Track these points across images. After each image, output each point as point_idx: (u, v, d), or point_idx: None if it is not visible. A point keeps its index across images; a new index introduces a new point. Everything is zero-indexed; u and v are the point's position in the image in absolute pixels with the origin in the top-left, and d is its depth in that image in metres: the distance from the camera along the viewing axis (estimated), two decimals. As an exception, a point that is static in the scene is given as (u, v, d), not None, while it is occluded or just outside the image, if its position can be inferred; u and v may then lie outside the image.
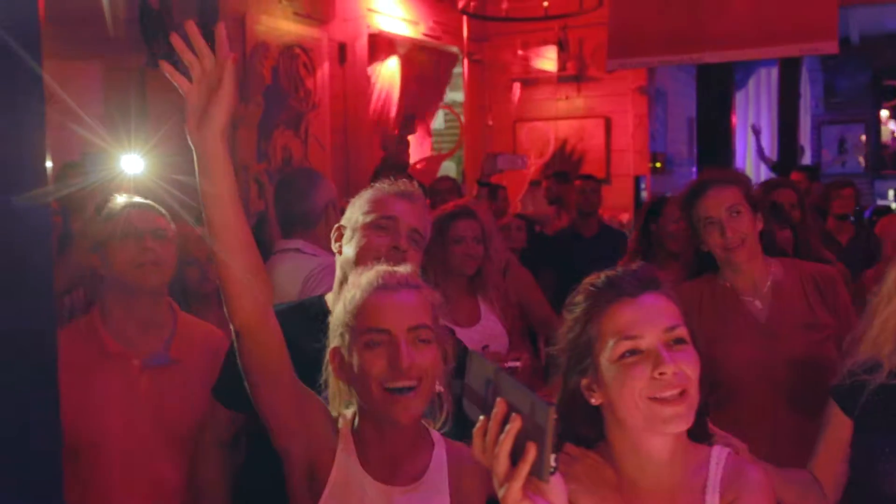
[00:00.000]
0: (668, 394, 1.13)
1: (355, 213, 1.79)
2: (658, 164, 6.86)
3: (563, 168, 6.36)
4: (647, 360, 1.14)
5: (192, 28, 1.21)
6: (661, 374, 1.13)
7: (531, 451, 0.93)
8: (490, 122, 6.95)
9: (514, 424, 0.94)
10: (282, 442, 1.40)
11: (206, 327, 2.14)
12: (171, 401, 1.94)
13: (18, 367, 0.95)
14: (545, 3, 6.18)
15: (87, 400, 1.86)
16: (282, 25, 5.41)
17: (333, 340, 1.42)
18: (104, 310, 1.98)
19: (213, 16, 4.90)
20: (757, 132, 8.02)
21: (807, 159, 9.07)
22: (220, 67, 1.22)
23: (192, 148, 1.26)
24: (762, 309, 2.20)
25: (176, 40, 1.21)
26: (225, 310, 1.32)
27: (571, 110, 6.83)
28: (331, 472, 1.37)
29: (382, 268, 1.42)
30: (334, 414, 1.45)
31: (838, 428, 1.60)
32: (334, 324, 1.42)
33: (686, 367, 1.14)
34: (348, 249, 1.76)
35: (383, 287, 1.38)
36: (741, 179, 2.30)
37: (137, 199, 2.05)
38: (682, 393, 1.13)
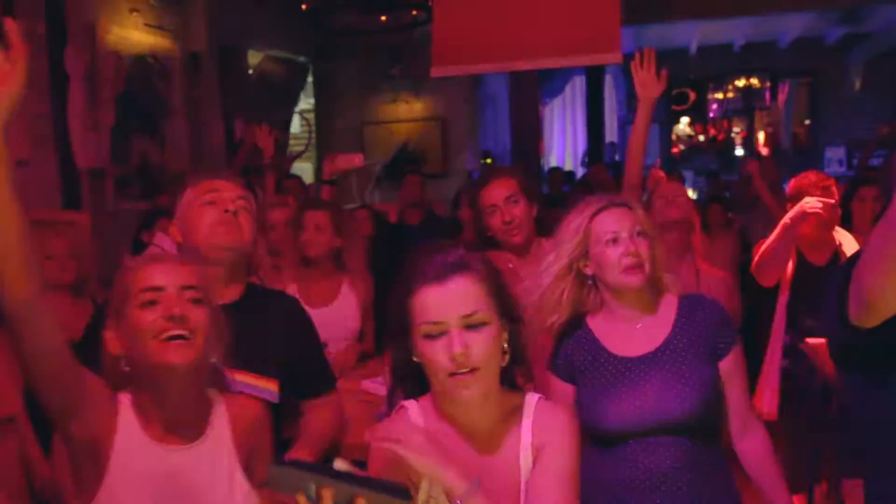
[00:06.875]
0: (461, 371, 1.26)
1: (182, 209, 1.87)
2: (488, 160, 7.67)
3: (407, 166, 6.87)
4: (445, 341, 1.26)
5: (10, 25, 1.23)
6: (455, 355, 1.25)
7: None
8: (339, 126, 7.50)
9: None
10: (63, 422, 1.39)
11: None
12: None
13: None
14: (382, 18, 6.77)
15: None
16: (133, 36, 5.60)
17: (108, 322, 1.45)
18: None
19: (61, 21, 4.92)
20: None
21: (619, 155, 10.27)
22: (14, 62, 1.22)
23: None
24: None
25: None
26: None
27: (412, 114, 7.49)
28: (113, 445, 1.40)
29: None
30: None
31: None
32: (109, 306, 1.46)
33: (477, 349, 1.26)
34: (184, 233, 1.84)
35: (152, 259, 1.51)
36: (517, 173, 2.55)
37: None
38: (473, 370, 1.26)
